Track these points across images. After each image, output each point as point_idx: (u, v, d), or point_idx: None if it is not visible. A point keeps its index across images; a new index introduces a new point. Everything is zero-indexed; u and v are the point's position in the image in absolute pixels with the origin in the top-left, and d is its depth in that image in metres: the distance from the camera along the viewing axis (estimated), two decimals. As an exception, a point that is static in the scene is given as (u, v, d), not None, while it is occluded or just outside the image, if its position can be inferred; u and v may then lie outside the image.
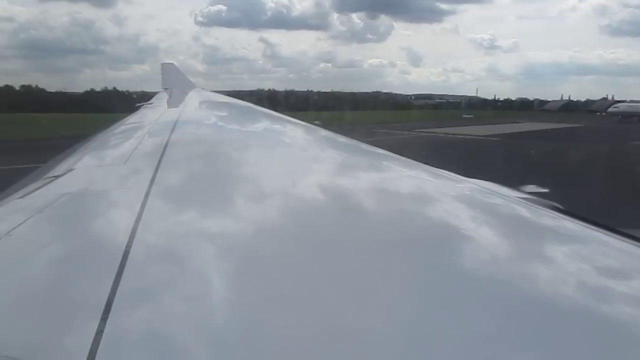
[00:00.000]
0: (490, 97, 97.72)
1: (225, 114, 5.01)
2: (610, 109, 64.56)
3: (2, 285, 0.90)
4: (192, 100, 6.47)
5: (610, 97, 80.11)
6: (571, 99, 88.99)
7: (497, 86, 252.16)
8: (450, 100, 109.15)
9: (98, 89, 66.19)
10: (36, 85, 66.55)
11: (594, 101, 70.09)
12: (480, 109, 79.74)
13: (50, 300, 0.82)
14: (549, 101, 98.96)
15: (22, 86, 63.63)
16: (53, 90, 68.53)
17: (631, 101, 68.12)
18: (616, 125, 51.57)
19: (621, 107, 64.65)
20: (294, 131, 3.48)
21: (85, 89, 68.56)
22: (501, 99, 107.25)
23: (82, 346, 0.66)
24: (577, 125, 47.69)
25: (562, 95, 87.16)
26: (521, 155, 22.21)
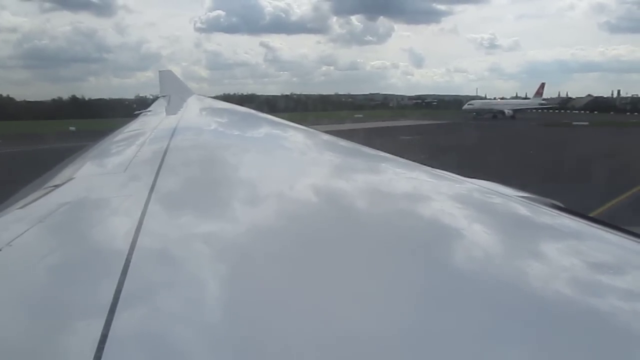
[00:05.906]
0: (491, 95, 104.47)
1: (224, 120, 5.03)
2: (465, 106, 66.85)
3: (8, 292, 0.94)
4: (191, 106, 6.55)
5: (565, 95, 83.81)
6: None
7: (500, 85, 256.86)
8: (446, 100, 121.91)
9: (65, 97, 78.27)
10: (7, 95, 79.42)
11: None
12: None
13: (55, 307, 0.85)
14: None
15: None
16: (20, 100, 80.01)
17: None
18: (467, 121, 55.88)
19: (476, 104, 67.62)
20: (292, 136, 3.58)
21: (53, 97, 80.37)
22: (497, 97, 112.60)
23: (86, 351, 0.68)
24: (438, 122, 53.92)
25: (526, 93, 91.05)
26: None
